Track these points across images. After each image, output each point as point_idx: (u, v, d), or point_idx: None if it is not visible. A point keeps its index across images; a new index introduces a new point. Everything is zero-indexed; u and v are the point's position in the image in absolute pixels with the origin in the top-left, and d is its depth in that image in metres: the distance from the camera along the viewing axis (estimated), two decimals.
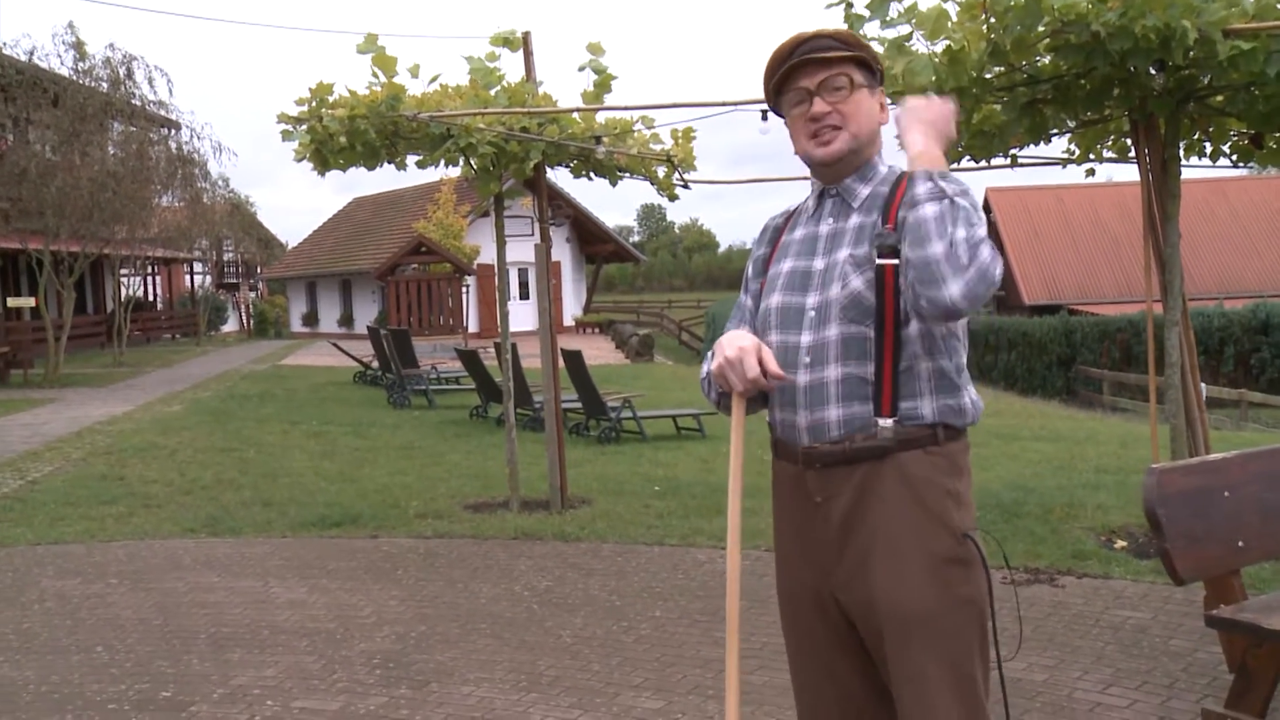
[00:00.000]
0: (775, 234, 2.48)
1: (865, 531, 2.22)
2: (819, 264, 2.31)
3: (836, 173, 2.32)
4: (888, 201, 2.27)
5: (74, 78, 21.37)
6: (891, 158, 2.41)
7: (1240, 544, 3.61)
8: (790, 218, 2.48)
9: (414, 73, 7.27)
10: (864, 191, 2.32)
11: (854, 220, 2.30)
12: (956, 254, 2.05)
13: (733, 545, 2.29)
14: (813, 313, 2.27)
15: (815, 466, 2.26)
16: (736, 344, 2.24)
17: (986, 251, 2.07)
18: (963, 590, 2.21)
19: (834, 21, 5.56)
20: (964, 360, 2.31)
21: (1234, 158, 6.57)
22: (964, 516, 2.24)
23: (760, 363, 2.21)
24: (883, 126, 2.37)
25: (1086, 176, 7.39)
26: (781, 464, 2.37)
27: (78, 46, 21.77)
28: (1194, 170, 6.81)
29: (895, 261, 2.19)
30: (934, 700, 2.18)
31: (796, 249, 2.38)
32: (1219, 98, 5.86)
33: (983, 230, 2.11)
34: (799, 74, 2.29)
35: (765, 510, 8.68)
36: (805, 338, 2.26)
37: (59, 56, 22.00)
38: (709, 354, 2.35)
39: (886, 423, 2.20)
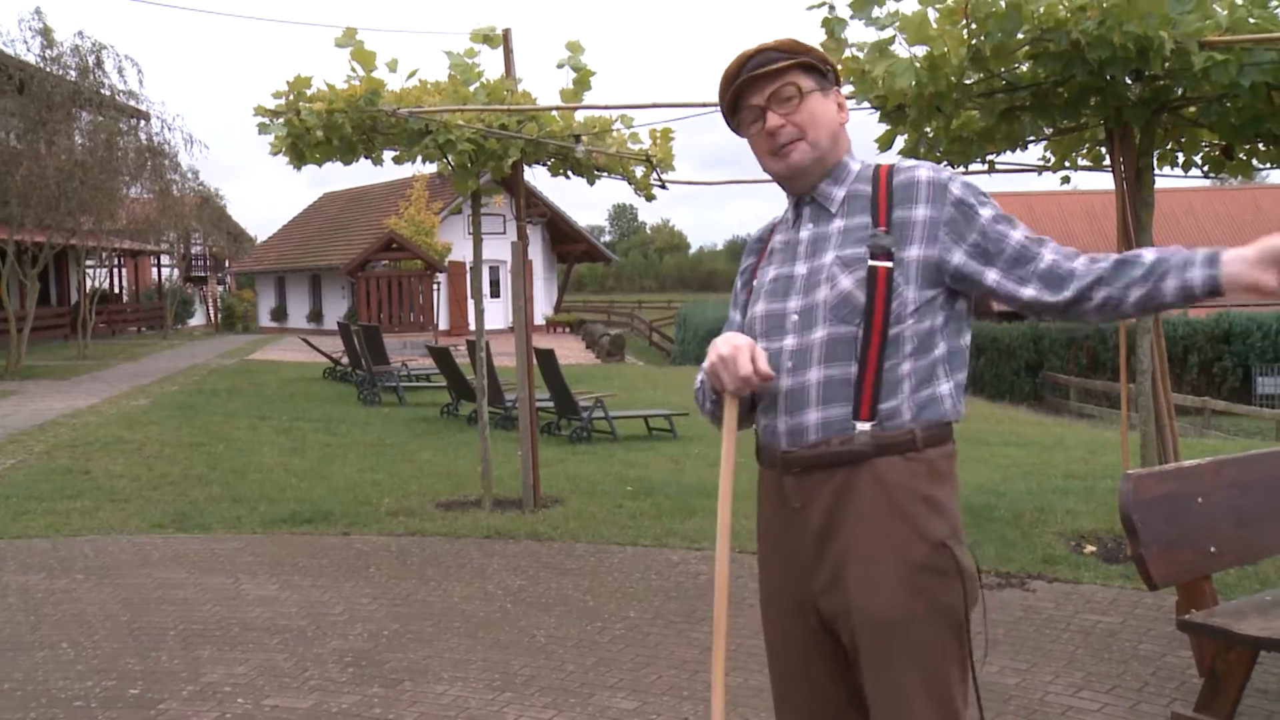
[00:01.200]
0: (759, 245, 2.48)
1: (841, 539, 2.21)
2: (800, 269, 2.29)
3: (806, 181, 2.31)
4: (874, 200, 2.26)
5: (41, 65, 21.10)
6: (862, 154, 2.41)
7: (1212, 549, 3.65)
8: (773, 229, 2.47)
9: (392, 67, 7.23)
10: (839, 194, 2.30)
11: (836, 224, 2.29)
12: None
13: (722, 549, 2.27)
14: (795, 317, 2.26)
15: (794, 471, 2.25)
16: (731, 342, 2.22)
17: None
18: (938, 598, 2.18)
19: (814, 23, 5.59)
20: (963, 344, 2.29)
21: (1205, 168, 6.66)
22: (943, 524, 2.21)
23: (752, 361, 2.20)
24: (844, 125, 2.35)
25: (1062, 184, 7.45)
26: (763, 470, 2.36)
27: (45, 33, 21.51)
28: (1165, 180, 6.88)
29: (889, 264, 2.19)
30: (910, 708, 2.17)
31: (779, 257, 2.37)
32: (1192, 109, 5.93)
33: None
34: (748, 92, 2.28)
35: (744, 512, 8.63)
36: (789, 341, 2.25)
37: (25, 43, 21.71)
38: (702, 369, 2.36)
39: (864, 426, 2.18)
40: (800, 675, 2.37)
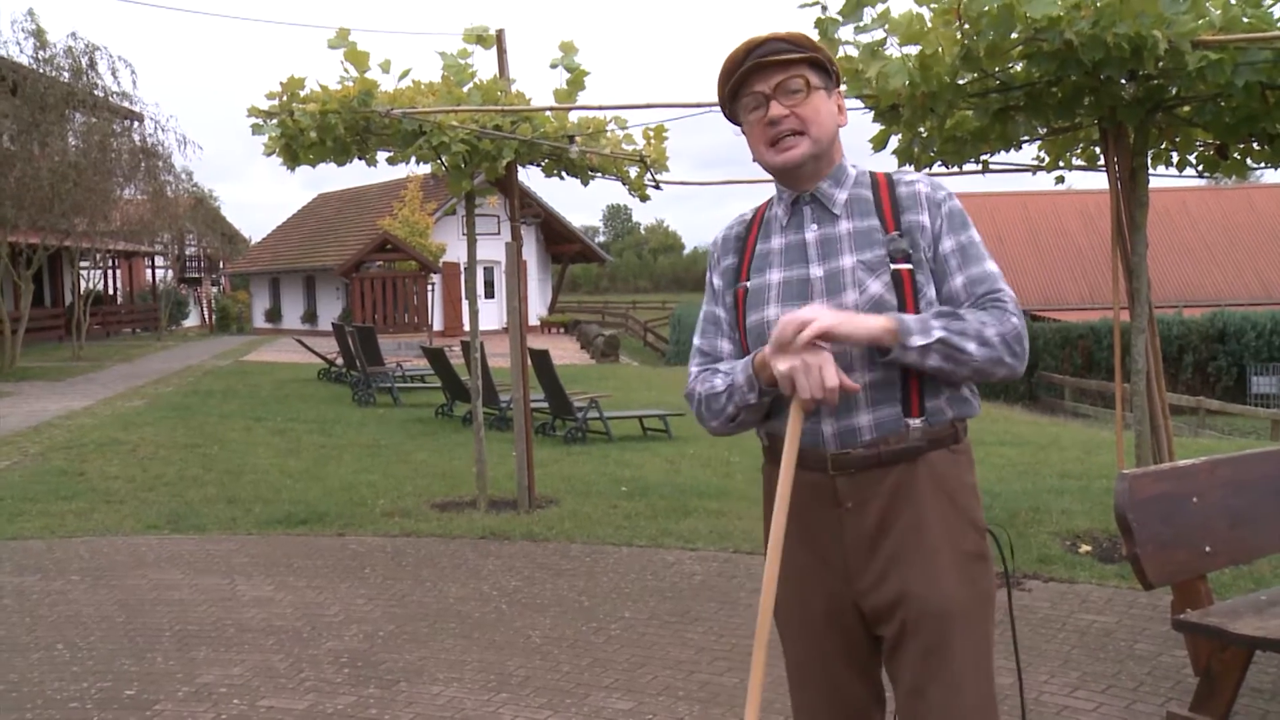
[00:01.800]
0: (741, 243, 2.41)
1: (897, 533, 2.22)
2: (816, 271, 2.26)
3: (802, 178, 2.28)
4: (878, 205, 2.27)
5: (34, 67, 21.05)
6: (856, 154, 2.40)
7: (1208, 549, 3.65)
8: (754, 225, 2.41)
9: (386, 68, 7.22)
10: (842, 196, 2.29)
11: (844, 225, 2.27)
12: (992, 358, 2.17)
13: (772, 558, 2.19)
14: None
15: (848, 472, 2.23)
16: (816, 356, 2.12)
17: (991, 335, 2.17)
18: (984, 585, 2.26)
19: (806, 24, 5.59)
20: None
21: (1200, 168, 6.66)
22: (980, 509, 2.32)
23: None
24: (841, 129, 2.34)
25: (1056, 184, 7.46)
26: (801, 473, 2.24)
27: (38, 35, 21.47)
28: (1160, 179, 6.90)
29: (909, 266, 2.22)
30: (962, 699, 2.21)
31: (782, 258, 2.31)
32: (1186, 108, 5.94)
33: (973, 327, 2.15)
34: (754, 78, 2.25)
35: (733, 512, 8.60)
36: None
37: (18, 44, 21.68)
38: (706, 368, 2.35)
39: (916, 423, 2.21)
40: (829, 691, 2.36)
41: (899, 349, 2.14)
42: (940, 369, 2.16)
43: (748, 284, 2.35)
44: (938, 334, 2.13)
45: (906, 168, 2.37)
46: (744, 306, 2.35)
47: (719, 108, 2.41)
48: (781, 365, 2.14)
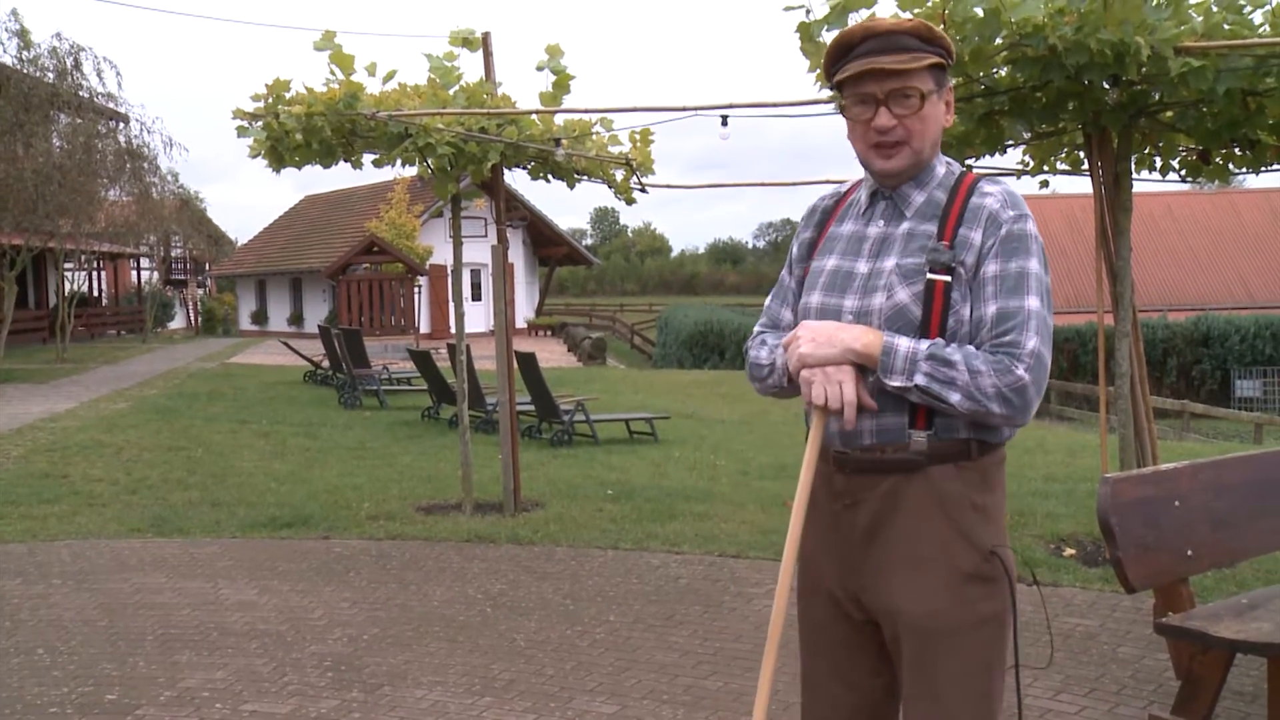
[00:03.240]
0: (824, 218, 2.41)
1: (888, 541, 2.20)
2: (862, 267, 2.25)
3: (893, 180, 2.26)
4: (945, 210, 2.22)
5: (18, 67, 20.94)
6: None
7: (1189, 553, 3.67)
8: (840, 203, 2.40)
9: (371, 71, 7.21)
10: (919, 198, 2.25)
11: (905, 226, 2.24)
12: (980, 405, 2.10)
13: (788, 558, 2.20)
14: (850, 317, 2.21)
15: (846, 470, 2.23)
16: (842, 371, 2.14)
17: (986, 384, 2.08)
18: (985, 607, 2.18)
19: (789, 26, 5.59)
20: None
21: (1183, 172, 6.70)
22: (992, 532, 2.20)
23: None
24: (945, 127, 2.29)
25: (1041, 188, 7.49)
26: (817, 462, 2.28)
27: (22, 35, 21.34)
28: (1144, 184, 6.93)
29: (947, 279, 2.16)
30: (948, 710, 2.17)
31: (843, 246, 2.31)
32: (1169, 114, 5.97)
33: (962, 377, 2.08)
34: (869, 79, 2.17)
35: (718, 515, 8.62)
36: None
37: (2, 45, 21.58)
38: (766, 337, 2.35)
39: (920, 435, 2.16)
40: (834, 678, 2.36)
41: (881, 376, 2.14)
42: (924, 403, 2.14)
43: (811, 264, 2.37)
44: (918, 380, 2.10)
45: (1000, 181, 2.31)
46: (803, 285, 2.38)
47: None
48: (804, 373, 2.17)
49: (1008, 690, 2.29)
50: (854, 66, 2.18)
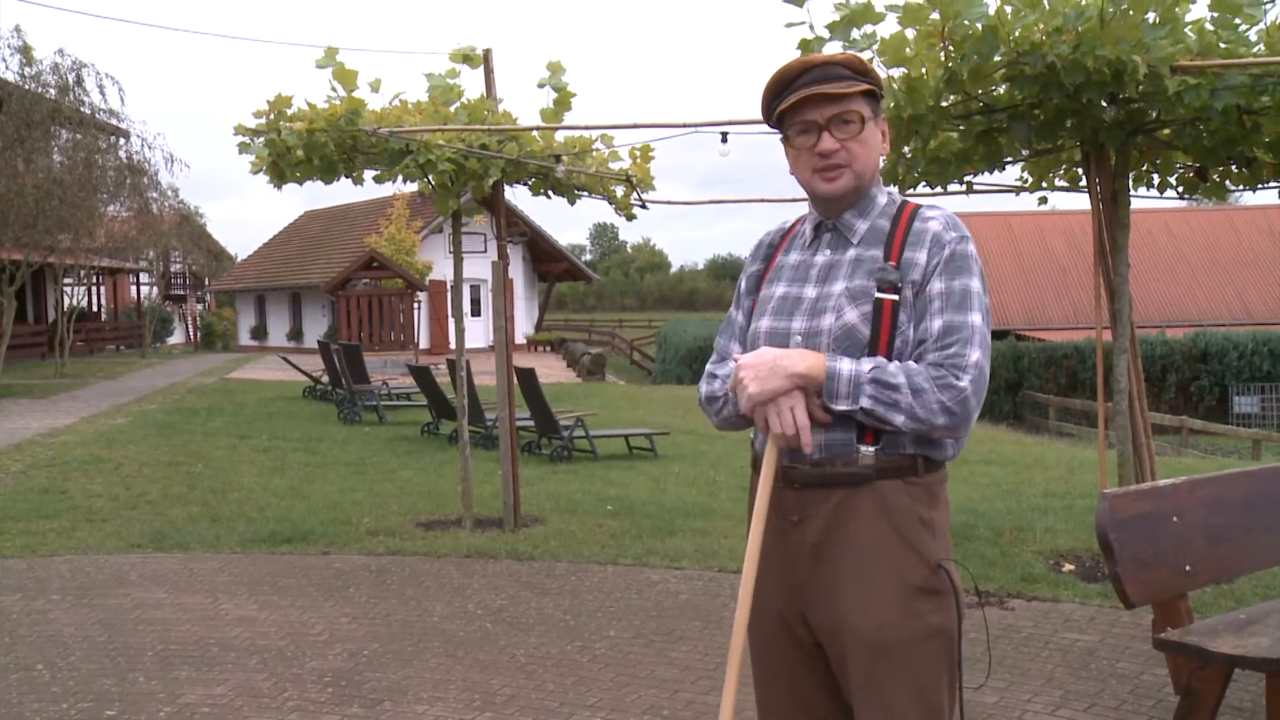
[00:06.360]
0: (770, 251, 2.48)
1: (837, 556, 2.23)
2: (810, 291, 2.32)
3: (836, 206, 2.33)
4: (890, 235, 2.29)
5: (20, 83, 21.00)
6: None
7: (1188, 568, 3.68)
8: (785, 236, 2.48)
9: (374, 87, 7.25)
10: (862, 226, 2.32)
11: (852, 253, 2.31)
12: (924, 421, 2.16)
13: (747, 573, 2.24)
14: (799, 338, 2.27)
15: (794, 486, 2.26)
16: (791, 401, 2.19)
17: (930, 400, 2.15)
18: (932, 620, 2.21)
19: (791, 41, 5.62)
20: None
21: (1180, 189, 6.73)
22: (938, 546, 2.25)
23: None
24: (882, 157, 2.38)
25: (1039, 205, 7.52)
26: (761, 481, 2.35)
27: (24, 51, 21.41)
28: (1141, 201, 6.96)
29: (895, 298, 2.22)
30: None
31: (790, 274, 2.38)
32: (1167, 131, 6.01)
33: (905, 399, 2.14)
34: (809, 106, 2.26)
35: (718, 531, 8.64)
36: None
37: (4, 61, 21.62)
38: (716, 370, 2.39)
39: (868, 449, 2.21)
40: (788, 697, 2.38)
41: (826, 401, 2.18)
42: (869, 424, 2.19)
43: (759, 294, 2.43)
44: (863, 404, 2.15)
45: (939, 206, 2.38)
46: (752, 316, 2.43)
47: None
48: (757, 410, 2.22)
49: (962, 702, 2.31)
50: (796, 95, 2.26)
